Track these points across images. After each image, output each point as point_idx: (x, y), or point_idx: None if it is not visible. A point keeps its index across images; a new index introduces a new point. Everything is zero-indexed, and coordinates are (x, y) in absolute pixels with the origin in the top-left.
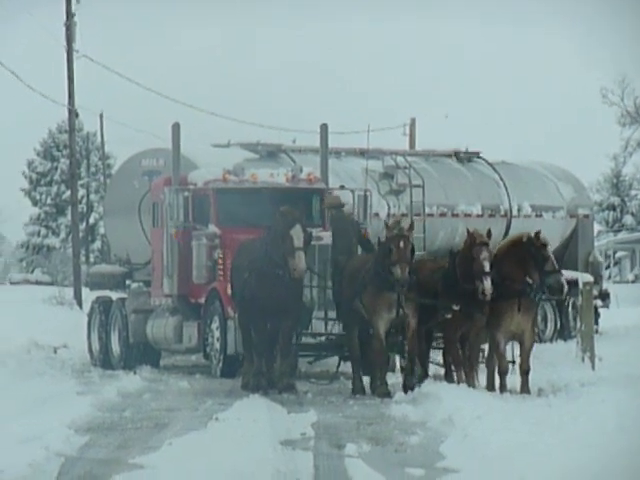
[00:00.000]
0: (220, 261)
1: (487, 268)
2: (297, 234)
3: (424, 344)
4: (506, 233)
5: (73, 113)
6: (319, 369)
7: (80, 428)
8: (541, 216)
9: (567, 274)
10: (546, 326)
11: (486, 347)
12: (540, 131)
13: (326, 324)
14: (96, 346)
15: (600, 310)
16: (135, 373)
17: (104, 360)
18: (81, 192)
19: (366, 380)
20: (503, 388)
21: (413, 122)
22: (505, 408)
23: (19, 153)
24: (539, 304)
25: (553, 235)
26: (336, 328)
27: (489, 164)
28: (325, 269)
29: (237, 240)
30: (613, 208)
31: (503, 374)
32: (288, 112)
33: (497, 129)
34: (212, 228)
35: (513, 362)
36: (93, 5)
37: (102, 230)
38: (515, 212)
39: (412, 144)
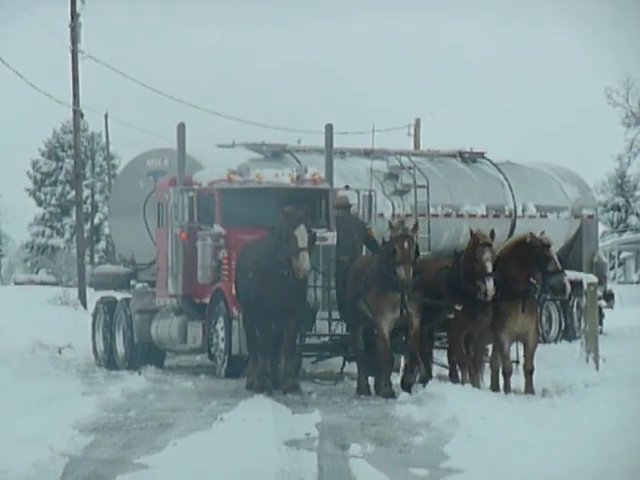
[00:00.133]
0: (225, 261)
1: (489, 269)
2: (301, 234)
3: (427, 344)
4: (511, 233)
5: (78, 113)
6: (323, 369)
7: (85, 428)
8: (546, 217)
9: (571, 275)
10: (551, 326)
11: (490, 347)
12: (542, 131)
13: (330, 324)
14: (101, 346)
15: (604, 311)
16: (140, 373)
17: (109, 360)
18: (86, 192)
19: (371, 380)
20: (507, 388)
21: (418, 122)
22: (509, 408)
23: (24, 153)
24: (543, 305)
25: (557, 236)
26: (340, 328)
27: (494, 164)
28: (329, 269)
29: (242, 240)
30: (618, 209)
31: (507, 374)
32: (290, 112)
33: (498, 129)
34: (217, 228)
35: (517, 362)
36: (97, 6)
37: (107, 230)
38: (520, 212)
39: (417, 144)
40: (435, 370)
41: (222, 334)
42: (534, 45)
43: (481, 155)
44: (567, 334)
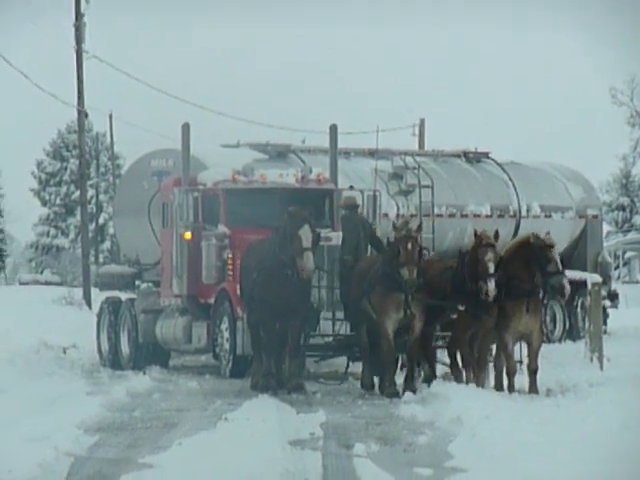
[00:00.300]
0: (229, 261)
1: (492, 269)
2: (306, 234)
3: (431, 344)
4: (515, 233)
5: (82, 113)
6: (327, 369)
7: (89, 428)
8: (550, 216)
9: (576, 274)
10: (555, 326)
11: (494, 347)
12: (542, 131)
13: (334, 324)
14: (105, 346)
15: (609, 310)
16: (144, 373)
17: (113, 360)
18: (90, 192)
19: (375, 380)
20: (511, 388)
21: (422, 122)
22: (513, 408)
23: (28, 153)
24: (547, 304)
25: (562, 235)
26: (344, 329)
27: (498, 164)
28: (334, 269)
29: (246, 240)
30: (622, 208)
31: (511, 374)
32: (291, 112)
33: (498, 129)
34: (221, 228)
35: (521, 362)
36: (101, 6)
37: (111, 230)
38: (524, 212)
39: (421, 144)
40: (439, 370)
41: (227, 334)
42: (534, 45)
43: (485, 155)
44: (571, 334)
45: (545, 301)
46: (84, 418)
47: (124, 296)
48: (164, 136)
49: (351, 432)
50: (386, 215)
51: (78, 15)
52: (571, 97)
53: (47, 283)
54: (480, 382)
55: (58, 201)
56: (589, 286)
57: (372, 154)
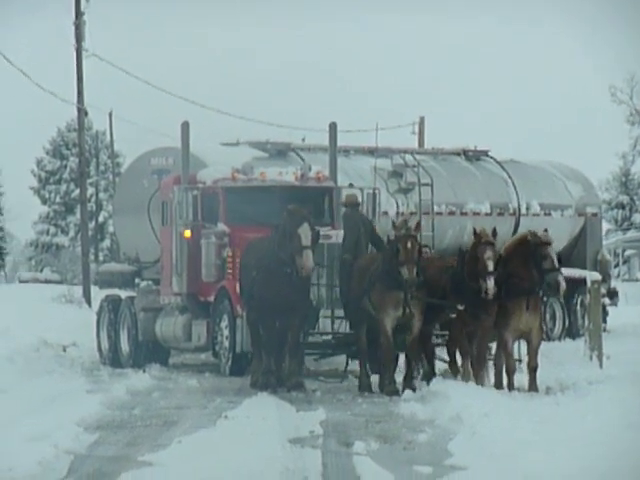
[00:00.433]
0: (229, 259)
1: (491, 268)
2: (305, 233)
3: (431, 342)
4: (515, 231)
5: (82, 112)
6: (327, 367)
7: (89, 426)
8: (550, 215)
9: (575, 272)
10: (554, 324)
11: (493, 345)
12: (542, 131)
13: (333, 323)
14: (105, 344)
15: (608, 308)
16: (144, 371)
17: (113, 358)
18: (90, 191)
19: (374, 378)
20: (511, 386)
21: (422, 121)
22: (513, 406)
23: (28, 151)
24: (547, 302)
25: (561, 233)
26: (343, 327)
27: (498, 162)
28: (333, 268)
29: (246, 238)
30: (622, 206)
31: (511, 372)
32: (291, 112)
33: (498, 129)
34: (221, 226)
35: (520, 360)
36: (101, 4)
37: (111, 229)
38: (524, 210)
39: (421, 143)
40: (439, 367)
41: (226, 332)
42: (534, 45)
43: (485, 153)
44: (571, 332)
45: (545, 299)
46: (84, 416)
47: (124, 294)
48: (164, 134)
49: (351, 430)
50: (386, 213)
51: (78, 13)
52: (571, 96)
53: (47, 281)
54: (480, 380)
55: (58, 199)
56: (589, 284)
57: (372, 152)
